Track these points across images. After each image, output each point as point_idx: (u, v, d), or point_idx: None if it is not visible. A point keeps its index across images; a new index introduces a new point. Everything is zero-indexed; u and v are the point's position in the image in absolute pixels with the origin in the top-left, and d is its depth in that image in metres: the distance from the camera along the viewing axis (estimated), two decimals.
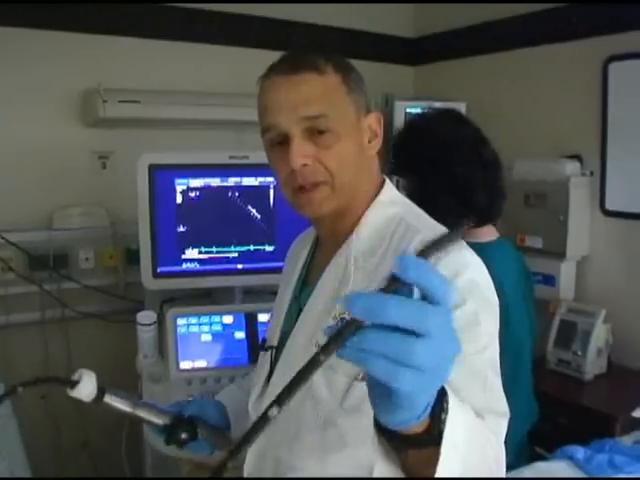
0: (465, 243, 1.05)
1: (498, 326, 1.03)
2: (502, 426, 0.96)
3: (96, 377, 1.03)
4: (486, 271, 1.03)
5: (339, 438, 1.02)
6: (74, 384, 1.03)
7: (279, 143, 1.06)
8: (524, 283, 1.80)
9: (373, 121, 1.11)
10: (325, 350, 0.58)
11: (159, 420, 1.13)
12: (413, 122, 1.84)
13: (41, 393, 2.62)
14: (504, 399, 0.99)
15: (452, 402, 0.69)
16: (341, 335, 0.57)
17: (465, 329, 0.94)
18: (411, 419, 0.64)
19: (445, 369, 0.60)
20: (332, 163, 1.04)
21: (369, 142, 1.11)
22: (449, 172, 1.65)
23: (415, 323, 0.56)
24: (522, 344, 1.69)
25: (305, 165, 1.03)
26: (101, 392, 1.05)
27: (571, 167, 2.66)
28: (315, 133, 1.03)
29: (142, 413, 1.12)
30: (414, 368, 0.56)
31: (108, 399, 1.06)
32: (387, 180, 1.16)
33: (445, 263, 0.97)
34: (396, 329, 0.56)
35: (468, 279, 0.98)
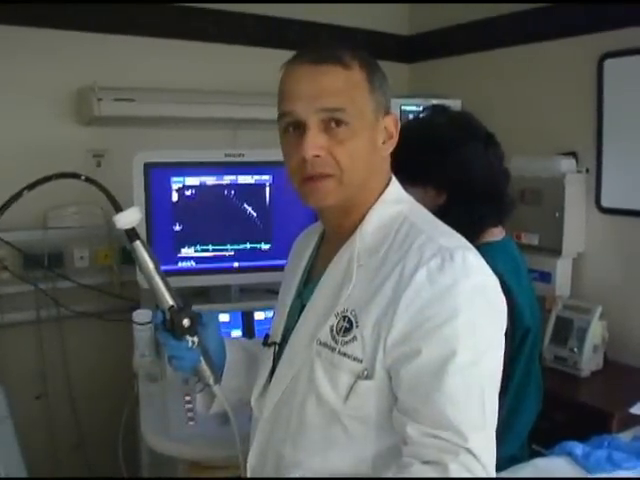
0: (470, 245, 1.05)
1: (503, 327, 1.04)
2: (487, 444, 0.96)
3: (139, 219, 1.05)
4: (491, 273, 1.03)
5: (343, 434, 1.03)
6: (120, 209, 1.05)
7: (294, 130, 1.06)
8: (530, 278, 1.81)
9: (390, 123, 1.11)
10: None
11: (169, 297, 1.10)
12: (421, 131, 1.70)
13: (36, 394, 2.61)
14: (495, 414, 0.99)
15: None
16: None
17: (460, 339, 0.95)
18: None
19: None
20: (343, 158, 1.04)
21: (383, 143, 1.10)
22: (485, 191, 1.62)
23: None
24: (537, 340, 1.69)
25: (317, 156, 1.03)
26: (136, 235, 1.05)
27: (566, 164, 2.67)
28: (331, 125, 1.03)
29: (158, 279, 1.10)
30: None
31: (139, 244, 1.06)
32: (393, 178, 1.16)
33: (448, 269, 0.98)
34: None
35: (471, 284, 0.98)
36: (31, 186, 1.10)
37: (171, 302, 1.10)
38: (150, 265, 1.08)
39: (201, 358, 1.18)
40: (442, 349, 0.95)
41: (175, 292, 1.13)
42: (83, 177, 1.08)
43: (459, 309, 0.96)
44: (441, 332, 0.95)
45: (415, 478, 0.90)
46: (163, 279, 1.11)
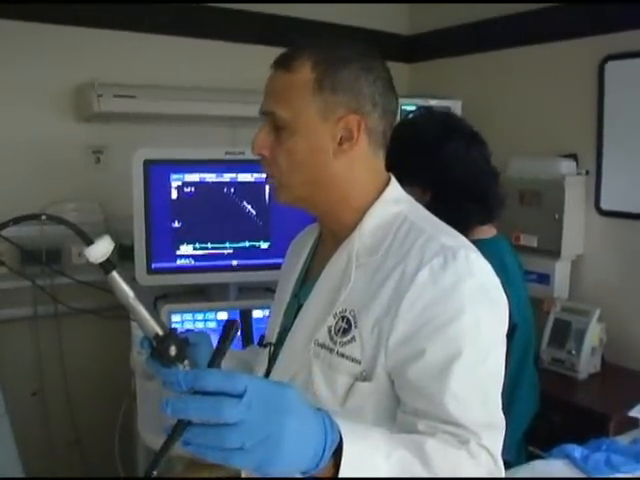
0: (471, 244, 1.04)
1: (506, 325, 1.03)
2: (498, 440, 0.96)
3: (112, 250, 1.00)
4: (492, 271, 1.03)
5: None
6: (90, 242, 0.99)
7: None
8: (523, 278, 1.82)
9: (351, 122, 1.05)
10: (162, 450, 0.76)
11: (154, 325, 1.05)
12: (405, 132, 1.69)
13: (32, 390, 2.60)
14: (500, 411, 0.99)
15: (353, 454, 0.77)
16: (172, 435, 0.75)
17: (467, 338, 0.95)
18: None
19: (273, 439, 0.71)
20: (280, 159, 1.06)
21: (340, 144, 1.06)
22: (470, 188, 1.64)
23: (215, 417, 0.71)
24: (529, 339, 1.70)
25: (263, 155, 1.08)
26: (112, 266, 1.00)
27: (566, 166, 2.66)
28: (275, 127, 1.06)
29: (141, 308, 1.04)
30: (236, 450, 0.71)
31: (115, 275, 1.01)
32: (393, 179, 1.15)
33: (451, 268, 0.97)
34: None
35: (475, 284, 0.98)
36: None
37: (157, 329, 1.05)
38: (130, 293, 1.03)
39: None
40: (447, 349, 0.94)
41: (159, 318, 1.10)
42: (44, 217, 1.05)
43: (464, 308, 0.95)
44: (446, 332, 0.94)
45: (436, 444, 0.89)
46: (145, 306, 1.09)
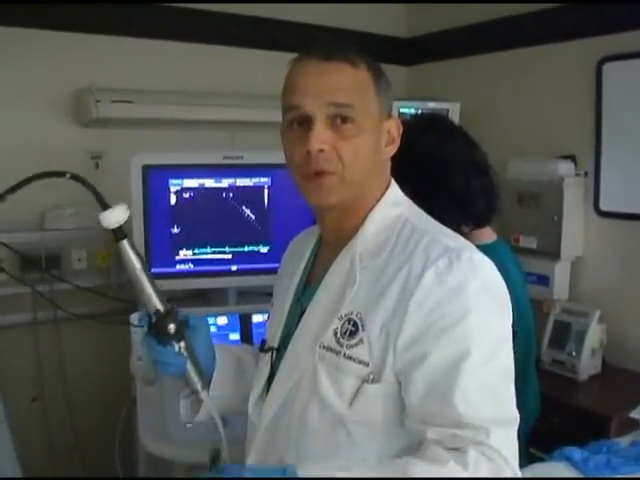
0: (474, 246, 1.05)
1: (511, 323, 1.04)
2: (510, 436, 0.96)
3: (126, 218, 1.01)
4: (495, 268, 1.04)
5: (347, 439, 1.02)
6: (107, 207, 1.00)
7: (299, 125, 1.05)
8: (524, 285, 1.81)
9: (393, 127, 1.11)
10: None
11: (156, 301, 1.04)
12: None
13: (32, 396, 2.60)
14: (514, 404, 0.99)
15: None
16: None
17: (475, 338, 0.96)
18: None
19: None
20: (347, 154, 1.03)
21: (385, 146, 1.10)
22: (446, 184, 1.62)
23: None
24: (529, 348, 1.69)
25: (321, 151, 1.02)
26: (123, 234, 1.01)
27: (565, 167, 2.66)
28: (337, 122, 1.03)
29: (145, 281, 1.04)
30: None
31: (126, 244, 1.02)
32: (393, 181, 1.16)
33: (457, 270, 0.98)
34: None
35: (480, 284, 0.99)
36: (12, 189, 1.07)
37: (158, 306, 1.05)
38: (137, 265, 1.03)
39: (188, 364, 1.12)
40: (455, 350, 0.95)
41: (163, 295, 1.09)
42: (68, 175, 1.04)
43: (469, 309, 0.96)
44: (453, 332, 0.95)
45: (431, 460, 0.90)
46: (150, 281, 1.06)
